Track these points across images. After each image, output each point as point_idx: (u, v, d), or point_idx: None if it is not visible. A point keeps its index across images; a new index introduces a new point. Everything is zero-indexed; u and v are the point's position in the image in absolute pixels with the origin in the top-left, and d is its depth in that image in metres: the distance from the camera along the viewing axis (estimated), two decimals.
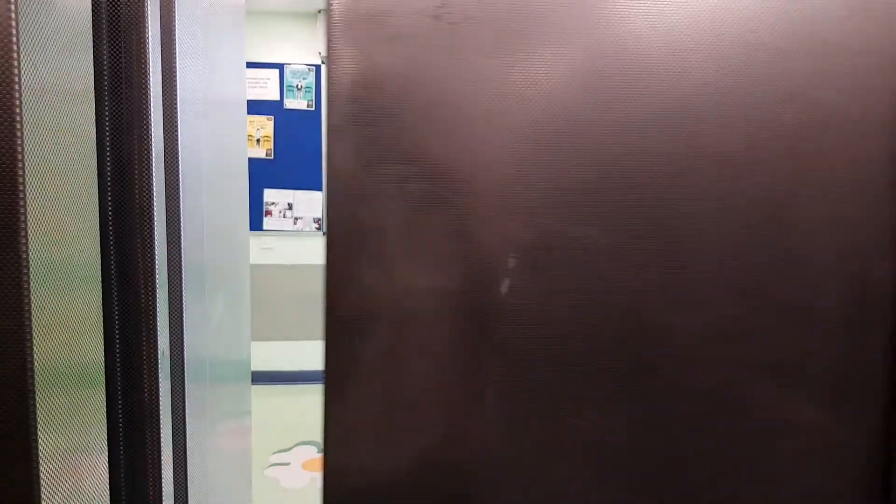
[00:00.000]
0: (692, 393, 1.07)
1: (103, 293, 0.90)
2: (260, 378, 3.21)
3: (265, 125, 3.96)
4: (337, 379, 1.02)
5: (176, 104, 1.05)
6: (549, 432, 1.08)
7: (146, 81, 0.96)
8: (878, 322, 1.08)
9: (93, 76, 0.89)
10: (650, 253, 1.06)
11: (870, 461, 1.11)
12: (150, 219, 0.98)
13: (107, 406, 0.90)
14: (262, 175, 3.88)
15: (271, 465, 2.87)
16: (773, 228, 1.06)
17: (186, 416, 1.08)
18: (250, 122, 3.89)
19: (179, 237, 1.07)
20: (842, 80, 1.04)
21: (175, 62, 1.04)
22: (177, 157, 1.06)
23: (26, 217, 0.72)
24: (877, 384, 1.09)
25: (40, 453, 0.75)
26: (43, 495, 0.74)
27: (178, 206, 1.06)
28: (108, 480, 0.88)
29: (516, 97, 1.03)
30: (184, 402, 1.07)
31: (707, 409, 1.09)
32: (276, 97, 3.94)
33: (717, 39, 1.04)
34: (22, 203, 0.72)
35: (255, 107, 3.85)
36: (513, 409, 1.07)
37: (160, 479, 0.98)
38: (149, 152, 0.97)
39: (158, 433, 0.97)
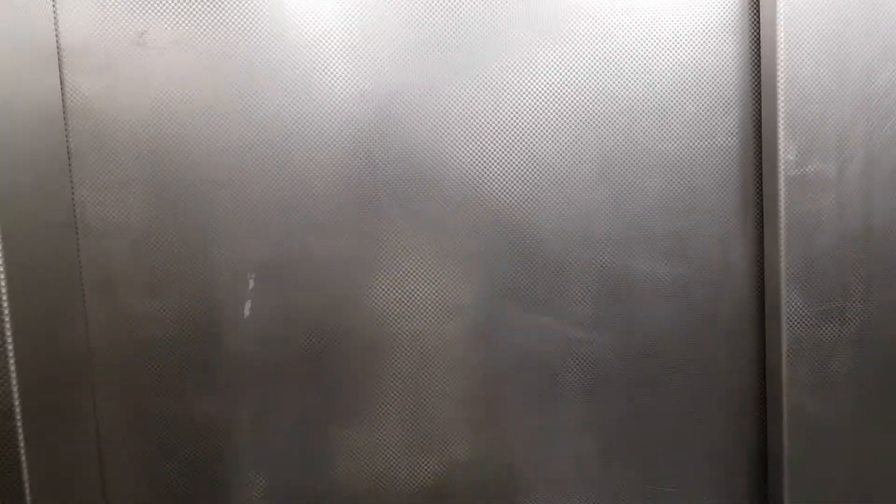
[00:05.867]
0: (455, 398, 1.08)
1: None
2: None
3: None
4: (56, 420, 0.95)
5: None
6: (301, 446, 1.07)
7: None
8: (743, 314, 1.13)
9: None
10: (392, 258, 1.07)
11: (745, 448, 1.15)
12: None
13: None
14: None
15: None
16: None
17: None
18: None
19: None
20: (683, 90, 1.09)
21: None
22: None
23: None
24: (749, 373, 1.14)
25: None
26: None
27: None
28: None
29: (236, 115, 1.02)
30: None
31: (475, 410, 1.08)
32: None
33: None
34: None
35: None
36: (269, 434, 1.07)
37: None
38: None
39: None
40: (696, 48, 1.07)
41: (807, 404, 1.08)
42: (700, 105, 1.09)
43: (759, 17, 1.07)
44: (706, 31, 1.07)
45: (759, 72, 1.08)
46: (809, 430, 1.08)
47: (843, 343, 1.07)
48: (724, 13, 1.07)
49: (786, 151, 1.04)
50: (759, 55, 1.08)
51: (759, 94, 1.08)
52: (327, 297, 1.06)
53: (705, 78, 1.08)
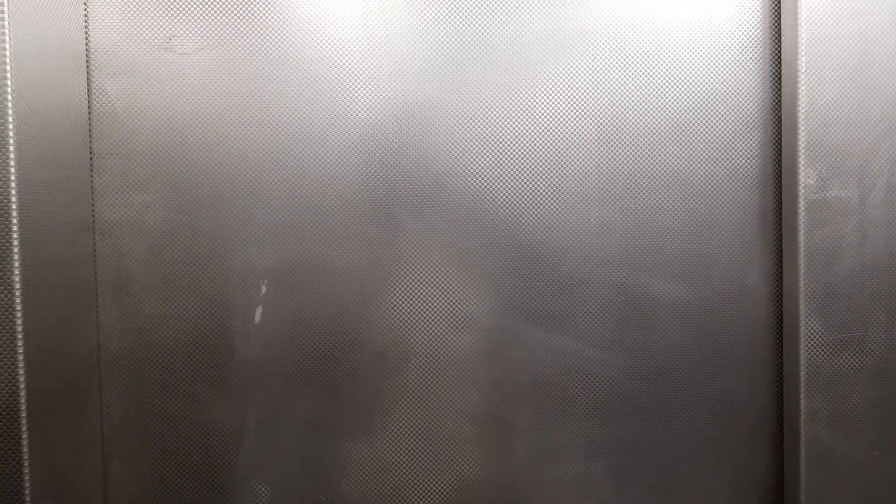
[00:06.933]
0: (461, 414, 1.08)
1: None
2: None
3: None
4: (65, 423, 0.95)
5: None
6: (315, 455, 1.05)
7: None
8: (757, 326, 1.11)
9: None
10: (405, 270, 1.07)
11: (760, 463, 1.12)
12: None
13: None
14: None
15: None
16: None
17: None
18: None
19: None
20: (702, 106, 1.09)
21: None
22: None
23: None
24: (763, 388, 1.12)
25: None
26: None
27: None
28: None
29: (255, 123, 1.04)
30: None
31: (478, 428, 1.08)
32: None
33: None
34: None
35: None
36: (275, 441, 1.06)
37: None
38: None
39: None
40: (717, 71, 1.08)
41: (825, 436, 1.05)
42: (720, 127, 1.09)
43: (780, 42, 1.07)
44: (727, 54, 1.08)
45: (779, 96, 1.08)
46: (827, 462, 1.05)
47: (863, 373, 1.05)
48: (745, 38, 1.07)
49: (806, 176, 1.03)
50: (780, 80, 1.08)
51: (780, 117, 1.08)
52: (339, 305, 1.06)
53: (726, 100, 1.08)
